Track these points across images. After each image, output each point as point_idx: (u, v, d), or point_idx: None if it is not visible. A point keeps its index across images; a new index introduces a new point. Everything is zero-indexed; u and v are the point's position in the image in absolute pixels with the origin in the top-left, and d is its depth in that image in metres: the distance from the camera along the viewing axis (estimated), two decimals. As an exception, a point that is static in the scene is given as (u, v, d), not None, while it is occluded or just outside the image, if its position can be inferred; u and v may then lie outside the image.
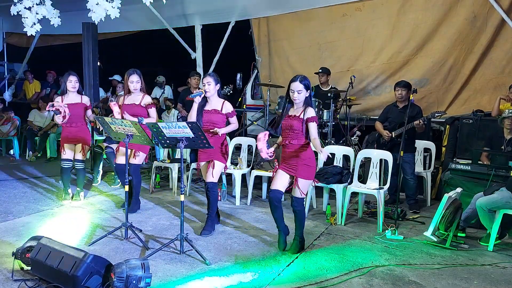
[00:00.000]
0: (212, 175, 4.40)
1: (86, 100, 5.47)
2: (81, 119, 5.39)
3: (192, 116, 4.35)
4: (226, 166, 4.56)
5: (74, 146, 5.39)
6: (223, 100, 4.46)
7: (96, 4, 4.56)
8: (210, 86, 4.35)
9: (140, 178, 5.16)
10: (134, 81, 4.93)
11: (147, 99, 5.04)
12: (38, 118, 8.60)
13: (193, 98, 4.35)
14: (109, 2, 4.60)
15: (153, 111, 5.05)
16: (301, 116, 3.88)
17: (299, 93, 3.85)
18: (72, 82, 5.32)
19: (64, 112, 5.15)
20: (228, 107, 4.44)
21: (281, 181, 3.97)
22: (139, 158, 5.02)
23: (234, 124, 4.51)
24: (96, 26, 6.36)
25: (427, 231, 4.27)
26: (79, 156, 5.38)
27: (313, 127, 3.85)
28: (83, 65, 6.49)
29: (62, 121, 5.18)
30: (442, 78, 7.04)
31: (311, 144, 3.93)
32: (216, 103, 4.43)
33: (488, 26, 6.47)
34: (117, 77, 9.13)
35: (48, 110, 5.26)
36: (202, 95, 4.34)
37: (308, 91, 3.92)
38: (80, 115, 5.36)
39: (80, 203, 5.43)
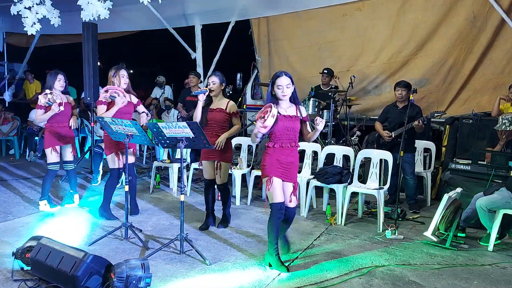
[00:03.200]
0: (220, 177, 4.46)
1: (71, 100, 5.27)
2: (68, 118, 5.18)
3: (197, 114, 4.29)
4: (232, 163, 4.58)
5: (63, 147, 5.17)
6: (228, 100, 4.45)
7: (88, 3, 4.57)
8: (215, 85, 4.34)
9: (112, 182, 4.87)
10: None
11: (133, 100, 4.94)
12: (38, 118, 8.59)
13: (197, 95, 4.25)
14: (102, 2, 4.60)
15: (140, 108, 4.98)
16: (298, 115, 3.68)
17: (287, 87, 3.55)
18: (61, 81, 5.09)
19: (60, 99, 5.00)
20: (232, 107, 4.41)
21: (282, 192, 3.62)
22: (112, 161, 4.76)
23: (236, 126, 4.44)
24: (97, 26, 6.36)
25: (427, 231, 4.27)
26: (70, 158, 5.22)
27: (309, 126, 3.82)
28: (83, 65, 6.48)
29: (59, 109, 4.91)
30: (442, 78, 7.05)
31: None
32: (221, 102, 4.41)
33: (488, 26, 6.48)
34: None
35: (48, 103, 5.02)
36: (206, 93, 4.28)
37: (293, 85, 3.67)
38: (68, 114, 5.17)
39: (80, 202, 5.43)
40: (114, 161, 4.74)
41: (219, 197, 5.69)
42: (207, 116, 4.39)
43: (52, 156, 5.08)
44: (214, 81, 4.36)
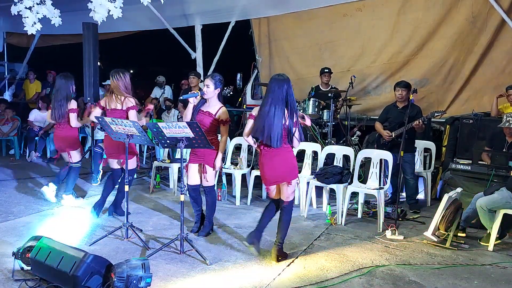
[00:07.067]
0: (207, 180, 4.29)
1: (74, 104, 5.26)
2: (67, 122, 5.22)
3: (187, 116, 4.21)
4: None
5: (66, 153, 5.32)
6: (221, 105, 4.27)
7: (99, 5, 4.54)
8: (208, 89, 4.17)
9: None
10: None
11: (128, 103, 4.73)
12: (39, 118, 8.60)
13: (187, 98, 4.16)
14: (112, 2, 4.58)
15: (132, 114, 4.69)
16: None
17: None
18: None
19: None
20: (223, 114, 4.22)
21: None
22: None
23: (223, 138, 4.29)
24: (97, 26, 6.35)
25: (427, 231, 4.27)
26: (70, 160, 5.33)
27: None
28: (83, 65, 6.48)
29: None
30: (442, 78, 7.05)
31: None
32: (213, 106, 4.25)
33: (488, 26, 6.48)
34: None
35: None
36: (198, 97, 4.18)
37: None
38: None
39: (80, 203, 5.43)
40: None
41: (220, 197, 5.71)
42: (196, 117, 4.22)
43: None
44: (209, 85, 4.17)
